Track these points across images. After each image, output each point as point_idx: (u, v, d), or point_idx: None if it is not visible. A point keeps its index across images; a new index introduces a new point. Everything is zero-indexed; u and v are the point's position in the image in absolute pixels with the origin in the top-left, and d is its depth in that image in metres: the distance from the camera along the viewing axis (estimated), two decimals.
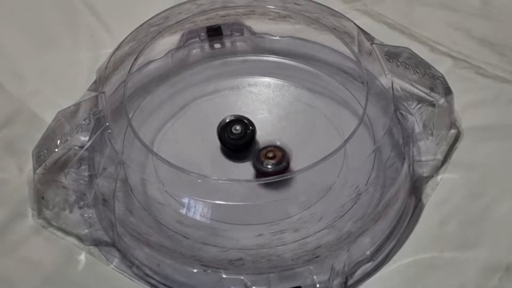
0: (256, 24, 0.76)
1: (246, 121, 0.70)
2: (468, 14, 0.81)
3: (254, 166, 0.68)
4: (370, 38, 0.71)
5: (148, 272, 0.66)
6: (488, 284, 0.65)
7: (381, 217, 0.65)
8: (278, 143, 0.69)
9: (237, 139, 0.69)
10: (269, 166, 0.68)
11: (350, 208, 0.66)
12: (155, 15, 0.72)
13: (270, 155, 0.68)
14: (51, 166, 0.67)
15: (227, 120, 0.70)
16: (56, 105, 0.71)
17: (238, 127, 0.69)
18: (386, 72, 0.69)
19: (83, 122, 0.67)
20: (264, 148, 0.69)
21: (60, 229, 0.68)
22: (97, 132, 0.66)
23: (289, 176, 0.64)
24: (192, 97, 0.74)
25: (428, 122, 0.70)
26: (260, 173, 0.68)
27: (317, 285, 0.63)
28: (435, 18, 0.81)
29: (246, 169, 0.69)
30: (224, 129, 0.69)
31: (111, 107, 0.68)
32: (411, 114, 0.69)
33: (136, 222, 0.66)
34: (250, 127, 0.69)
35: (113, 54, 0.70)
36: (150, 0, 0.79)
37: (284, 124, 0.72)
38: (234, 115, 0.70)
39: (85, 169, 0.69)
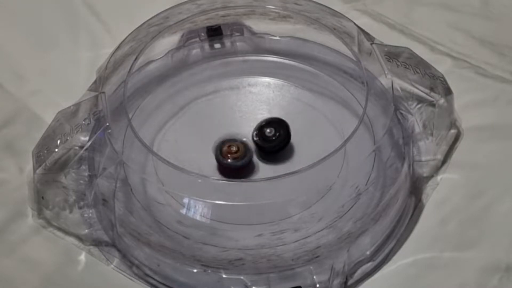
0: (256, 24, 0.76)
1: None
2: (468, 14, 0.81)
3: (217, 160, 0.69)
4: (370, 38, 0.71)
5: (148, 272, 0.66)
6: (488, 284, 0.65)
7: (381, 217, 0.65)
8: (244, 139, 0.70)
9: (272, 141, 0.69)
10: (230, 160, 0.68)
11: (350, 208, 0.66)
12: (155, 15, 0.72)
13: (233, 149, 0.68)
14: (51, 166, 0.67)
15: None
16: (56, 105, 0.71)
17: (268, 130, 0.69)
18: (386, 72, 0.69)
19: (83, 122, 0.67)
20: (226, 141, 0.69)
21: (60, 229, 0.68)
22: (97, 132, 0.66)
23: (289, 176, 0.64)
24: (192, 97, 0.74)
25: (428, 122, 0.70)
26: (222, 167, 0.68)
27: (317, 285, 0.63)
28: (435, 18, 0.81)
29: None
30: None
31: (111, 107, 0.67)
32: (411, 114, 0.69)
33: (136, 222, 0.66)
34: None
35: (113, 54, 0.70)
36: (150, 0, 0.79)
37: None
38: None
39: (85, 169, 0.69)
